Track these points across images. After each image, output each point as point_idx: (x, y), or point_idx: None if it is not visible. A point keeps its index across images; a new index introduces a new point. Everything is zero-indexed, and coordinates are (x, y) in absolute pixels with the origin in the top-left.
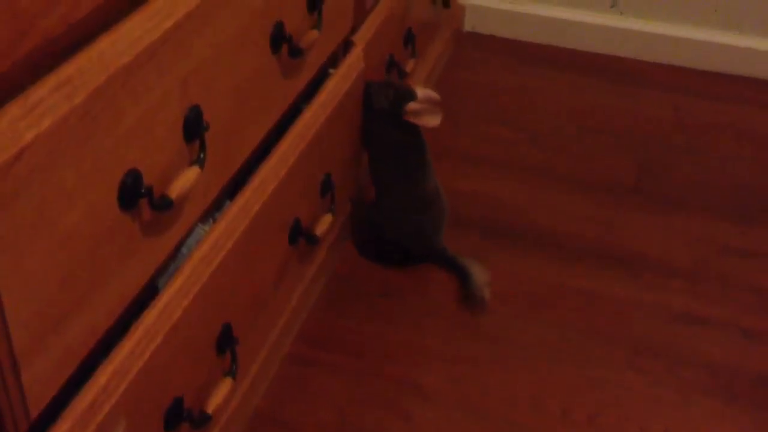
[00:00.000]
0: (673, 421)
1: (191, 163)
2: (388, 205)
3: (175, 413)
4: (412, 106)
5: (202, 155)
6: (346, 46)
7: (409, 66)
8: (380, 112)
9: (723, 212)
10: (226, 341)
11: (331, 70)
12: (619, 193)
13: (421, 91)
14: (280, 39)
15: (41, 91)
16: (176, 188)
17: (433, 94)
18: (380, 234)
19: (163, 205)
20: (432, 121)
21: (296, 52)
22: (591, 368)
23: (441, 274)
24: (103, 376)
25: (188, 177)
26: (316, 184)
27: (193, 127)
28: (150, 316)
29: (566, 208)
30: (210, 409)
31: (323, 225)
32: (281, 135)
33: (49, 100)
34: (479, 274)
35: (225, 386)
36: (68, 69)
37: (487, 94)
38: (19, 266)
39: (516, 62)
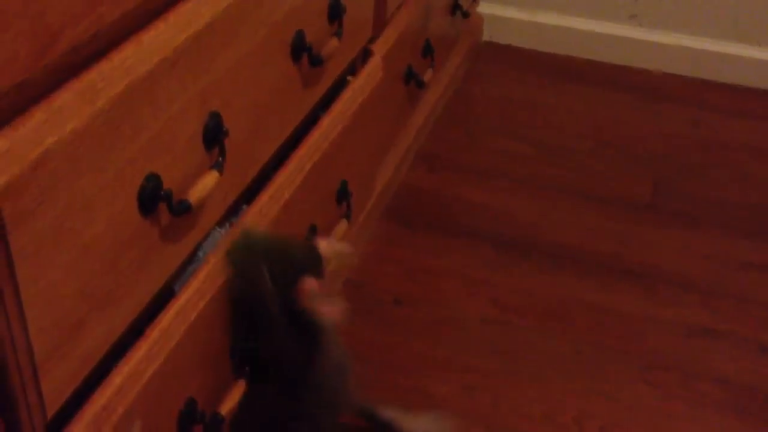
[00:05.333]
0: None
1: (210, 168)
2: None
3: (189, 415)
4: (309, 283)
5: (221, 160)
6: (365, 54)
7: (427, 76)
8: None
9: (739, 228)
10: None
11: (349, 77)
12: (634, 209)
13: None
14: (300, 48)
15: (65, 96)
16: (195, 193)
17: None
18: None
19: (182, 209)
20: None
21: (317, 61)
22: (603, 381)
23: (453, 284)
24: (118, 377)
25: (207, 182)
26: (332, 192)
27: (213, 133)
28: (166, 319)
29: (580, 223)
30: (224, 411)
31: (338, 231)
32: (299, 142)
33: (72, 106)
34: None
35: (239, 390)
36: (91, 75)
37: (504, 107)
38: (41, 274)
39: (533, 74)
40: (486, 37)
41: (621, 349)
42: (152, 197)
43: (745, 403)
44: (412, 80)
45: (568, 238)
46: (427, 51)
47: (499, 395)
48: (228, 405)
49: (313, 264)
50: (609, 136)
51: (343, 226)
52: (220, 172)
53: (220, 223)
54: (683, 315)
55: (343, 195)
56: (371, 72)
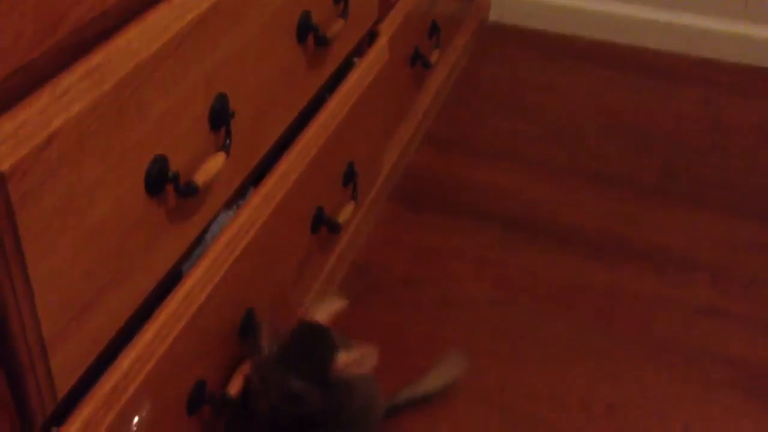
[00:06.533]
0: (693, 416)
1: (217, 150)
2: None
3: (198, 397)
4: (340, 361)
5: (228, 141)
6: (371, 36)
7: (434, 57)
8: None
9: (749, 209)
10: (249, 326)
11: (355, 59)
12: (642, 189)
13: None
14: (306, 29)
15: (70, 78)
16: (202, 174)
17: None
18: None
19: (189, 191)
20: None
21: (322, 42)
22: (611, 362)
23: (460, 265)
24: (126, 359)
25: (214, 163)
26: (339, 173)
27: (220, 115)
28: (174, 301)
29: (588, 204)
30: (232, 392)
31: (345, 213)
32: (305, 124)
33: (78, 87)
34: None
35: (246, 370)
36: (97, 57)
37: (511, 87)
38: (49, 254)
39: (540, 55)
40: (493, 17)
41: (628, 330)
42: (159, 179)
43: (754, 383)
44: (419, 61)
45: (576, 219)
46: (434, 31)
47: (505, 376)
48: (236, 386)
49: (337, 338)
50: (617, 116)
51: (350, 207)
52: (227, 153)
53: (228, 205)
54: (691, 296)
55: (350, 177)
56: (377, 53)
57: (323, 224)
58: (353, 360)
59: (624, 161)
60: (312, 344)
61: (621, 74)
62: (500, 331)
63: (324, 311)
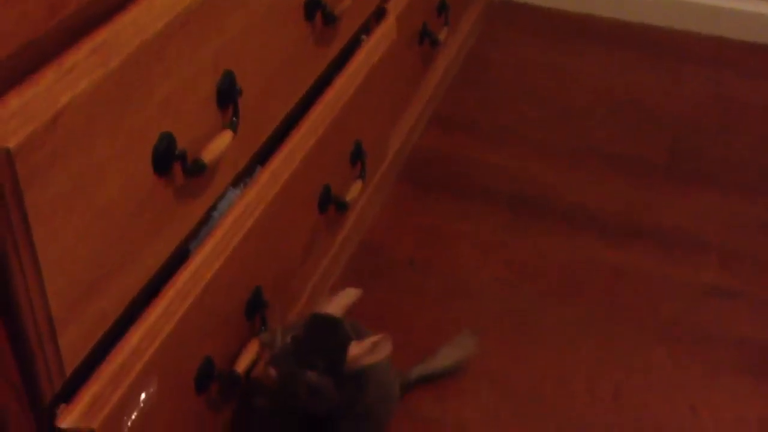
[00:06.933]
0: (699, 397)
1: (224, 128)
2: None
3: (206, 374)
4: (353, 351)
5: (235, 119)
6: (380, 13)
7: (442, 35)
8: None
9: (758, 189)
10: (256, 305)
11: (363, 37)
12: (651, 170)
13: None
14: (314, 5)
15: (77, 55)
16: (209, 152)
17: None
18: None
19: (197, 169)
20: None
21: (330, 19)
22: (618, 343)
23: (468, 246)
24: (134, 337)
25: (221, 141)
26: (347, 152)
27: (227, 92)
28: (181, 279)
29: (596, 184)
30: (240, 369)
31: (353, 192)
32: (313, 102)
33: (84, 65)
34: (456, 358)
35: (254, 348)
36: (103, 34)
37: (520, 66)
38: (57, 232)
39: (549, 33)
40: None
41: (636, 311)
42: (166, 157)
43: (762, 365)
44: (427, 39)
45: (584, 200)
46: (442, 9)
47: (512, 357)
48: (244, 363)
49: (349, 329)
50: (626, 95)
51: (357, 186)
52: (234, 131)
53: (235, 184)
54: (700, 276)
55: (357, 156)
56: (386, 31)
57: (331, 203)
58: (366, 350)
59: (632, 142)
60: (325, 337)
61: (630, 53)
62: (507, 312)
63: (336, 303)
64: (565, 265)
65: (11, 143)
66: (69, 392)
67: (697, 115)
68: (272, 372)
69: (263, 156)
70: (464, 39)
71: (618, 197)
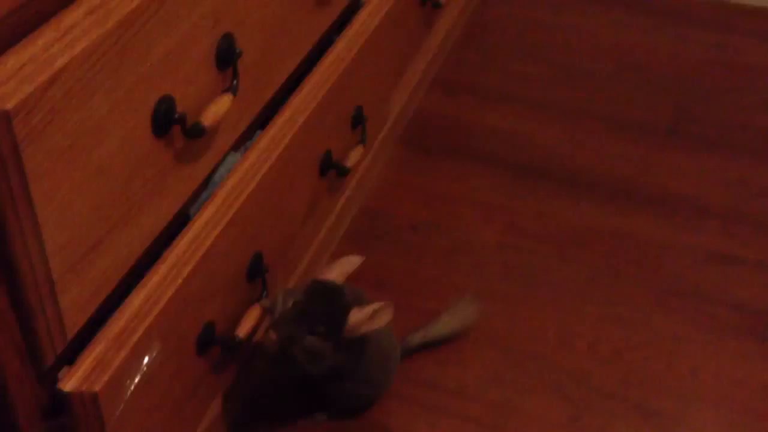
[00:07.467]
0: (700, 360)
1: (224, 91)
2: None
3: (207, 337)
4: (353, 318)
5: (235, 82)
6: None
7: None
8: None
9: (761, 154)
10: (256, 269)
11: None
12: (654, 133)
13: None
14: None
15: (74, 15)
16: (209, 115)
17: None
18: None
19: (196, 132)
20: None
21: None
22: (619, 306)
23: (470, 209)
24: (136, 300)
25: (221, 104)
26: (348, 116)
27: (226, 54)
28: (182, 244)
29: (600, 148)
30: (241, 334)
31: (354, 157)
32: (313, 65)
33: (82, 25)
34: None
35: (255, 312)
36: None
37: (522, 29)
38: (56, 193)
39: None
40: None
41: (638, 275)
42: (166, 119)
43: (762, 329)
44: (429, 1)
45: (587, 163)
46: None
47: (513, 320)
48: (245, 328)
49: (350, 295)
50: (631, 59)
51: (358, 151)
52: (234, 94)
53: (235, 148)
54: (702, 241)
55: (358, 119)
56: None
57: (332, 167)
58: (367, 317)
59: (636, 105)
60: (326, 303)
61: (634, 16)
62: (509, 275)
63: (338, 270)
64: (567, 228)
65: (9, 104)
66: (71, 355)
67: (702, 79)
68: (272, 336)
69: (263, 120)
70: (467, 0)
71: (621, 161)
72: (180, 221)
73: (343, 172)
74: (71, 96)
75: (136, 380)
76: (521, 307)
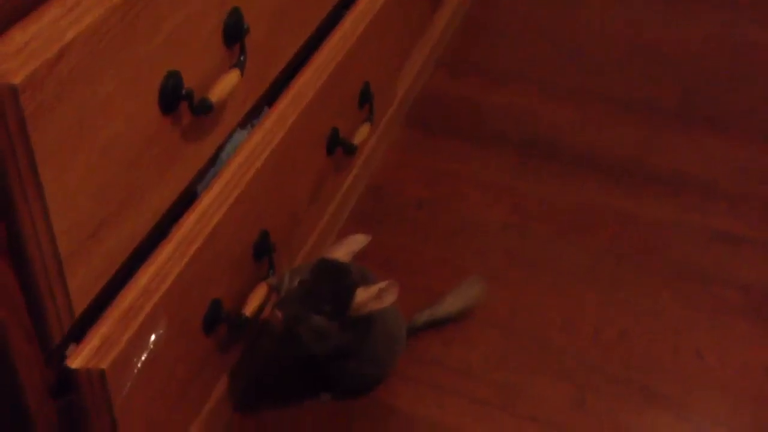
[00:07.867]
0: (705, 341)
1: (231, 67)
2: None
3: (214, 315)
4: (359, 297)
5: (242, 58)
6: None
7: None
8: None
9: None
10: (263, 247)
11: None
12: (661, 114)
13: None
14: None
15: None
16: (217, 92)
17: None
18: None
19: (204, 108)
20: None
21: None
22: (625, 287)
23: (475, 189)
24: (143, 277)
25: (228, 80)
26: (355, 94)
27: (234, 30)
28: (189, 221)
29: (606, 128)
30: (248, 312)
31: (361, 134)
32: (320, 42)
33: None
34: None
35: (261, 291)
36: None
37: (529, 8)
38: (63, 170)
39: None
40: None
41: (643, 256)
42: (173, 96)
43: (767, 310)
44: None
45: (593, 144)
46: None
47: (518, 301)
48: (252, 306)
49: (356, 274)
50: (638, 39)
51: (365, 129)
52: (242, 71)
53: (242, 125)
54: (708, 221)
55: (365, 97)
56: None
57: (338, 145)
58: (372, 296)
59: (644, 85)
60: (332, 282)
61: None
62: (514, 256)
63: (345, 249)
64: (573, 208)
65: (17, 79)
66: (79, 333)
67: (710, 60)
68: (278, 315)
69: (271, 97)
70: None
71: (628, 141)
72: (187, 199)
73: (350, 150)
74: (78, 72)
75: (143, 357)
76: (525, 287)
